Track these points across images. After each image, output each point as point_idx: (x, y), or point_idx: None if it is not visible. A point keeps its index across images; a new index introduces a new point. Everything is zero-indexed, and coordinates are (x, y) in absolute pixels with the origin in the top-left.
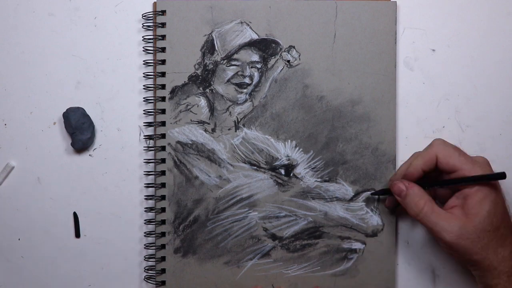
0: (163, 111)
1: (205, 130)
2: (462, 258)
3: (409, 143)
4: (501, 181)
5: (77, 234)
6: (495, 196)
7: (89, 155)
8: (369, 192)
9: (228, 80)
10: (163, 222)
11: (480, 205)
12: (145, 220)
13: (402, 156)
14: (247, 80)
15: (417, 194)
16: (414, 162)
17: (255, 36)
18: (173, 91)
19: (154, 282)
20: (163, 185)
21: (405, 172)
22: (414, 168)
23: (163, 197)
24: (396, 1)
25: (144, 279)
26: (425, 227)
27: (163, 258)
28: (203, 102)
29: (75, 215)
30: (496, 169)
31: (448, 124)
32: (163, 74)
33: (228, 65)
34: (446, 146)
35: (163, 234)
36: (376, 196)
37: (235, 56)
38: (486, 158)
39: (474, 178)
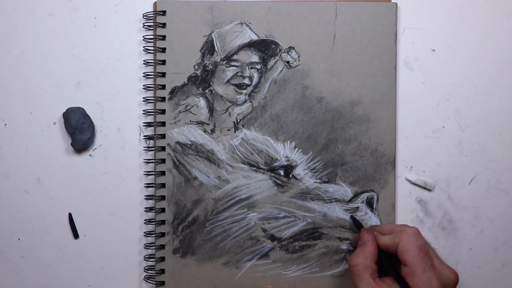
0: (162, 112)
1: (205, 131)
2: None
3: (409, 143)
4: None
5: (75, 235)
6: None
7: (89, 155)
8: (368, 193)
9: (228, 81)
10: (163, 222)
11: None
12: (145, 220)
13: (402, 156)
14: (246, 81)
15: (366, 252)
16: (383, 237)
17: (254, 37)
18: (173, 92)
19: (153, 282)
20: (163, 185)
21: (379, 232)
22: (381, 241)
23: (163, 197)
24: (396, 2)
25: (143, 279)
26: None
27: (162, 258)
28: (202, 102)
29: (70, 216)
30: (496, 168)
31: (448, 124)
32: (163, 75)
33: (227, 65)
34: (412, 239)
35: (163, 234)
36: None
37: (235, 56)
38: (456, 275)
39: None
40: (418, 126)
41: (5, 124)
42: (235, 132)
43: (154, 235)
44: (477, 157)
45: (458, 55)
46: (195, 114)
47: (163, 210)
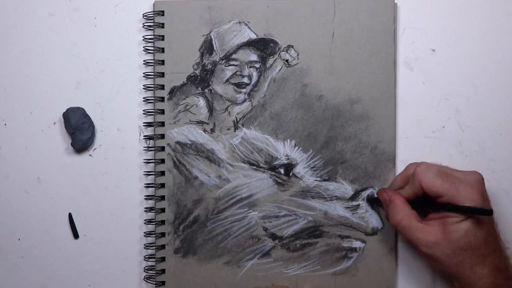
0: (162, 112)
1: (204, 130)
2: (439, 269)
3: (409, 143)
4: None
5: (75, 235)
6: (477, 218)
7: (89, 155)
8: (368, 191)
9: (227, 80)
10: (163, 222)
11: (459, 224)
12: (145, 220)
13: (402, 156)
14: (245, 80)
15: (397, 206)
16: (405, 189)
17: (253, 36)
18: (172, 92)
19: (154, 282)
20: (163, 185)
21: (396, 187)
22: (405, 193)
23: (163, 197)
24: (394, 1)
25: (144, 279)
26: (404, 238)
27: (163, 258)
28: (202, 102)
29: (70, 216)
30: (496, 168)
31: (448, 124)
32: (162, 75)
33: (226, 65)
34: (428, 173)
35: (163, 234)
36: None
37: (234, 56)
38: (480, 174)
39: (458, 208)
40: (418, 126)
41: (5, 124)
42: (235, 131)
43: (154, 235)
44: (477, 157)
45: (458, 55)
46: (194, 114)
47: (163, 210)
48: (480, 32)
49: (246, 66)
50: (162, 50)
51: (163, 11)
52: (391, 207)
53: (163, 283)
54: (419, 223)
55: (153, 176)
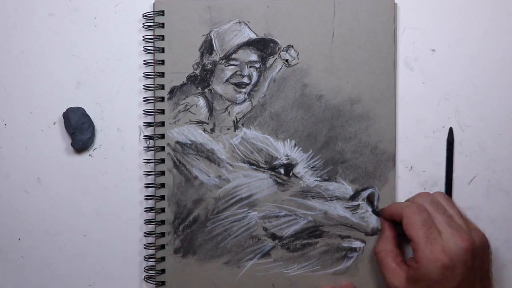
0: (162, 112)
1: (204, 130)
2: None
3: (409, 143)
4: None
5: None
6: None
7: (89, 155)
8: (368, 191)
9: (227, 80)
10: (163, 222)
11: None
12: (145, 220)
13: (402, 156)
14: (245, 80)
15: (383, 237)
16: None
17: (253, 36)
18: (172, 91)
19: (154, 282)
20: (162, 185)
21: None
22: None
23: (163, 197)
24: (394, 0)
25: (144, 279)
26: None
27: (163, 258)
28: (202, 102)
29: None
30: (496, 168)
31: (448, 124)
32: (162, 75)
33: (226, 65)
34: (414, 217)
35: (162, 234)
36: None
37: (234, 56)
38: (468, 241)
39: None
40: (418, 126)
41: (5, 124)
42: (234, 131)
43: (154, 235)
44: (477, 157)
45: (458, 55)
46: (194, 114)
47: (163, 210)
48: (480, 32)
49: (246, 66)
50: (162, 50)
51: (163, 11)
52: (381, 235)
53: (163, 283)
54: (392, 263)
55: (153, 176)
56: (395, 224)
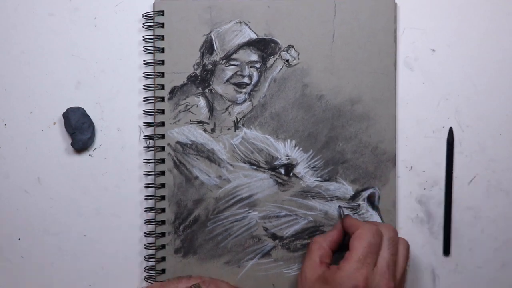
0: (162, 112)
1: (205, 130)
2: None
3: (409, 143)
4: None
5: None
6: None
7: (89, 155)
8: (369, 191)
9: (227, 80)
10: (163, 222)
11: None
12: (145, 220)
13: (402, 156)
14: (246, 80)
15: (328, 235)
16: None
17: (254, 36)
18: (172, 92)
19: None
20: (163, 185)
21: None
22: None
23: (163, 197)
24: (394, 0)
25: (144, 279)
26: None
27: (163, 258)
28: (202, 102)
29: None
30: (496, 168)
31: (448, 124)
32: (162, 75)
33: (227, 65)
34: (367, 235)
35: (163, 234)
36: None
37: (234, 56)
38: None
39: None
40: (418, 126)
41: (5, 124)
42: (235, 131)
43: (154, 235)
44: (477, 157)
45: (458, 55)
46: (195, 114)
47: (163, 210)
48: (480, 32)
49: (247, 66)
50: (162, 50)
51: (163, 11)
52: (328, 231)
53: None
54: (317, 257)
55: (153, 176)
56: (344, 235)
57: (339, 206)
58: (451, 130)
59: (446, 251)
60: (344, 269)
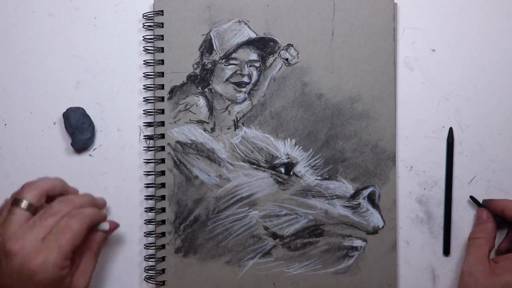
0: (162, 111)
1: (205, 130)
2: None
3: (409, 143)
4: None
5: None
6: None
7: (89, 155)
8: (369, 189)
9: (227, 79)
10: (163, 222)
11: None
12: (145, 220)
13: (402, 156)
14: (245, 79)
15: (485, 227)
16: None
17: (253, 35)
18: (172, 91)
19: (154, 282)
20: (163, 185)
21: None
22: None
23: (163, 197)
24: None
25: (144, 279)
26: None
27: (163, 258)
28: (202, 101)
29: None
30: (496, 168)
31: (448, 124)
32: (162, 74)
33: (226, 64)
34: None
35: (163, 234)
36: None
37: (234, 55)
38: None
39: None
40: (418, 126)
41: (5, 124)
42: (235, 130)
43: (154, 235)
44: (477, 157)
45: (458, 55)
46: (195, 113)
47: (163, 210)
48: (480, 32)
49: (246, 65)
50: (162, 50)
51: (162, 11)
52: (481, 225)
53: (163, 283)
54: (487, 255)
55: (153, 176)
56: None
57: (471, 196)
58: (451, 130)
59: (446, 251)
60: None
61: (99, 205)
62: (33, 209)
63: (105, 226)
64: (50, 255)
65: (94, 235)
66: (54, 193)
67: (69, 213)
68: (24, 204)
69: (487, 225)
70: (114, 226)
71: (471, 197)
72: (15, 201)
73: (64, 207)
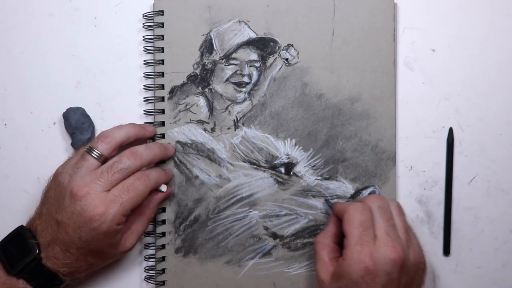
0: (162, 111)
1: (205, 130)
2: None
3: (409, 143)
4: None
5: None
6: None
7: None
8: (369, 190)
9: (227, 79)
10: (163, 222)
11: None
12: None
13: (402, 156)
14: (246, 79)
15: (325, 230)
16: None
17: (253, 35)
18: (172, 91)
19: (154, 282)
20: None
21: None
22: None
23: None
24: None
25: (144, 279)
26: None
27: (163, 258)
28: (202, 101)
29: None
30: (496, 168)
31: (448, 124)
32: (162, 74)
33: (226, 64)
34: (354, 215)
35: (163, 234)
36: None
37: (234, 55)
38: (398, 254)
39: None
40: (418, 126)
41: (5, 124)
42: (235, 130)
43: (154, 235)
44: (477, 157)
45: (458, 55)
46: (195, 113)
47: (163, 209)
48: (480, 32)
49: (246, 65)
50: (162, 50)
51: (162, 11)
52: (325, 226)
53: (163, 283)
54: (325, 256)
55: None
56: (341, 221)
57: (325, 200)
58: (451, 130)
59: (446, 251)
60: (347, 256)
61: (168, 155)
62: (103, 159)
63: (163, 187)
64: (111, 209)
65: (151, 196)
66: (128, 143)
67: (136, 174)
68: (95, 153)
69: (327, 228)
70: (170, 190)
71: (326, 200)
72: (89, 148)
73: (133, 164)
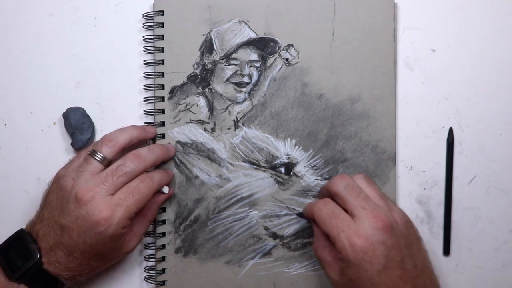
0: (162, 111)
1: (205, 130)
2: None
3: (409, 143)
4: None
5: None
6: None
7: None
8: None
9: (227, 80)
10: (163, 222)
11: None
12: None
13: (402, 156)
14: (246, 79)
15: (314, 235)
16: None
17: (253, 35)
18: (172, 91)
19: (154, 282)
20: None
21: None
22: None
23: None
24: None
25: (144, 279)
26: None
27: (163, 258)
28: (202, 101)
29: None
30: (496, 168)
31: (448, 124)
32: (162, 74)
33: (227, 64)
34: (338, 180)
35: (163, 234)
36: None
37: (234, 55)
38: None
39: None
40: (418, 126)
41: (5, 124)
42: (235, 130)
43: (154, 235)
44: (477, 157)
45: (458, 55)
46: (195, 113)
47: (163, 209)
48: (480, 32)
49: (246, 65)
50: (162, 50)
51: (162, 11)
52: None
53: (163, 283)
54: (328, 256)
55: None
56: None
57: (297, 215)
58: (451, 130)
59: (446, 251)
60: (339, 248)
61: (169, 156)
62: (107, 162)
63: (165, 189)
64: (117, 213)
65: (153, 198)
66: (131, 145)
67: (140, 176)
68: (99, 157)
69: (314, 232)
70: (172, 192)
71: (298, 215)
72: (92, 152)
73: (137, 167)
